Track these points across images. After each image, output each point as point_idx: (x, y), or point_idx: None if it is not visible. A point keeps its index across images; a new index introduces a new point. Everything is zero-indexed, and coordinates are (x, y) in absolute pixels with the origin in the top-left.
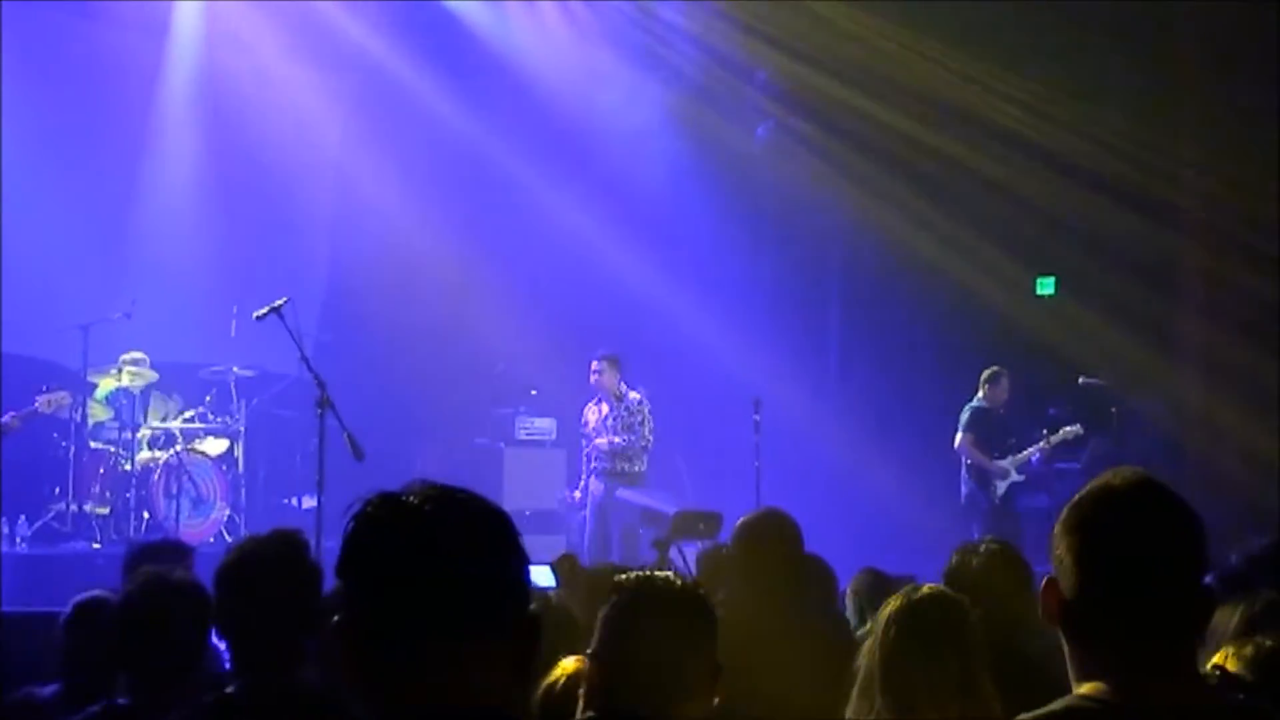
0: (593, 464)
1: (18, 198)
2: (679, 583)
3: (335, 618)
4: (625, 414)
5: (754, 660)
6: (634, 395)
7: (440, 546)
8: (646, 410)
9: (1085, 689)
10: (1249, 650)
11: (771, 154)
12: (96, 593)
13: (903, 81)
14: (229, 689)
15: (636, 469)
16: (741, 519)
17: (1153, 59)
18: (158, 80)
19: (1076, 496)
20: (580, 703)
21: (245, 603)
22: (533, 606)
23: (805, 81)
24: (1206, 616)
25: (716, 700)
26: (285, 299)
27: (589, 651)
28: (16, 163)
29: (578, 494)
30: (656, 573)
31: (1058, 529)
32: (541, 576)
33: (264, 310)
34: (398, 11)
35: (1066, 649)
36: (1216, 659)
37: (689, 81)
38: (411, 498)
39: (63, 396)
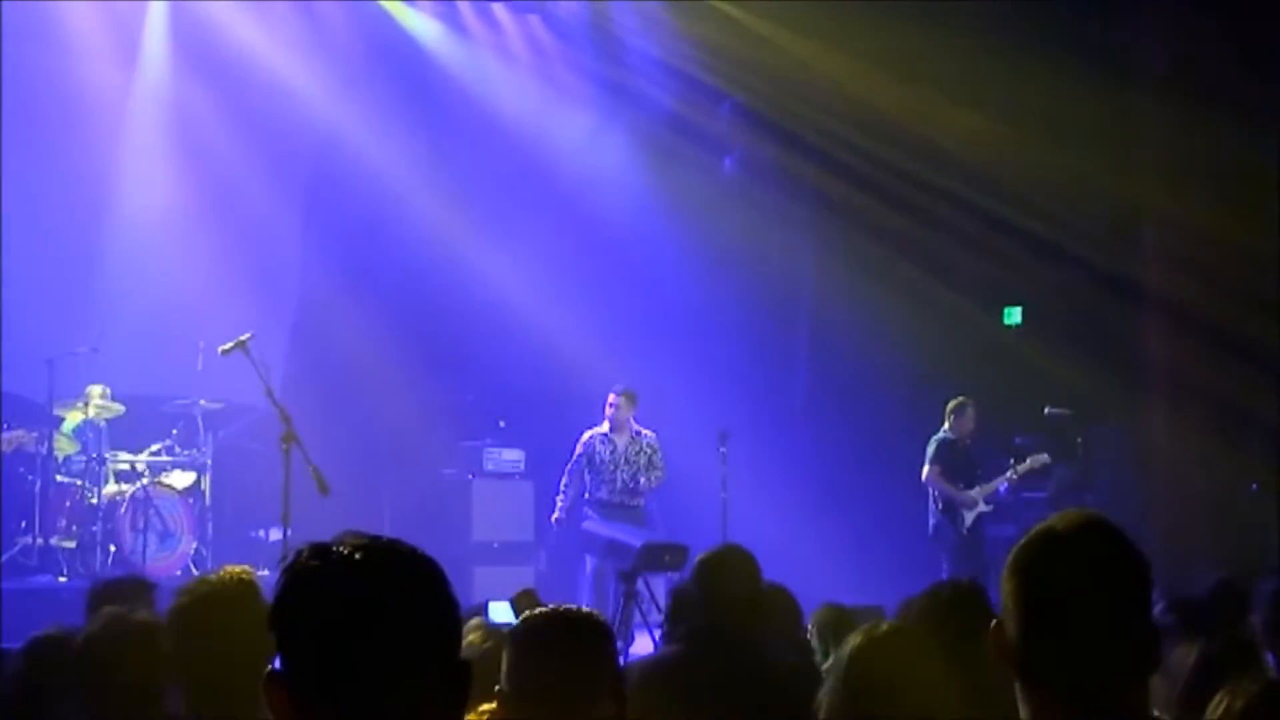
0: (597, 494)
1: None
2: (573, 607)
3: (267, 669)
4: (649, 450)
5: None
6: (648, 432)
7: (370, 597)
8: (659, 448)
9: None
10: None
11: (738, 184)
12: (52, 630)
13: (869, 114)
14: None
15: (640, 504)
16: (699, 556)
17: (1116, 93)
18: (124, 111)
19: (1021, 539)
20: None
21: (199, 645)
22: (486, 645)
23: (772, 112)
24: (1152, 657)
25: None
26: (250, 334)
27: (497, 690)
28: None
29: (557, 515)
30: (554, 606)
31: (1004, 572)
32: (501, 613)
33: (229, 345)
34: (361, 44)
35: (1018, 690)
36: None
37: (655, 112)
38: (342, 548)
39: (22, 435)
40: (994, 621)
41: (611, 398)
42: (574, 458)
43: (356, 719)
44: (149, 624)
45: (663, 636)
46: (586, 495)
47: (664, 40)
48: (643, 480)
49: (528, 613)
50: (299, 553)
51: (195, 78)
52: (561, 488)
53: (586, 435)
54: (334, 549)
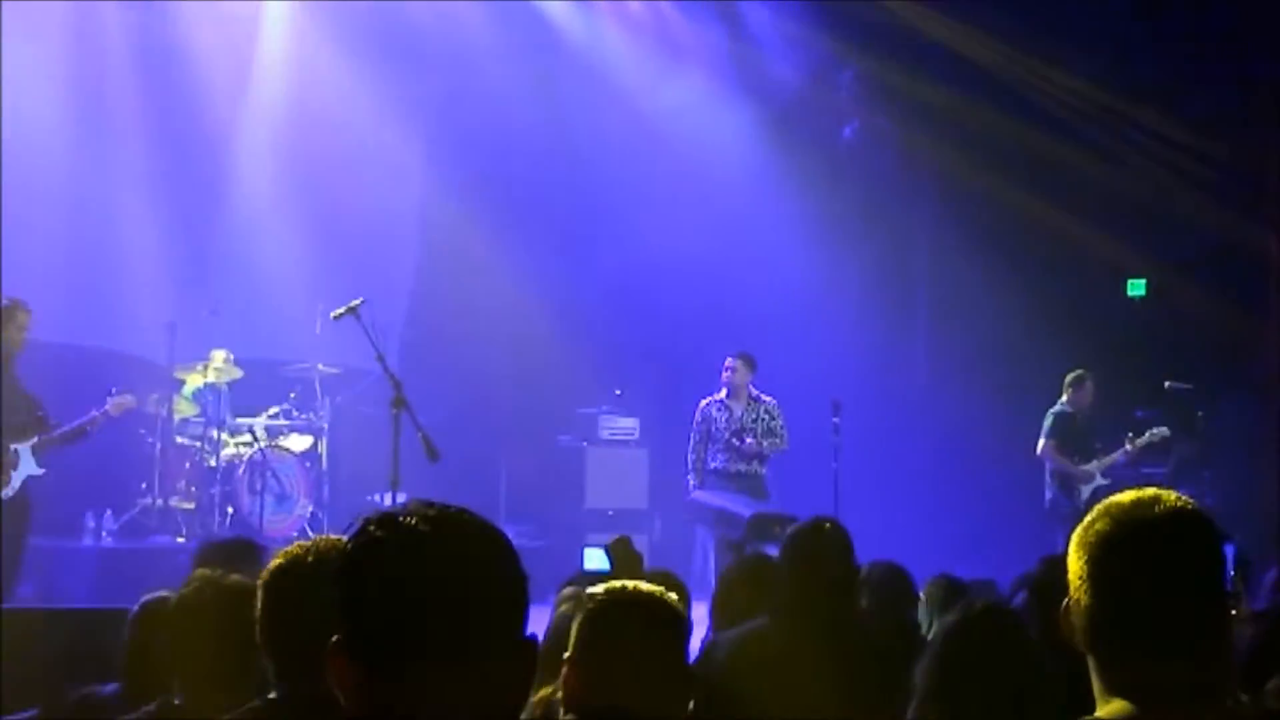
0: (713, 464)
1: (105, 197)
2: (650, 591)
3: (334, 637)
4: (767, 416)
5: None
6: (768, 398)
7: (435, 568)
8: (780, 414)
9: (1107, 709)
10: None
11: (857, 154)
12: (163, 592)
13: (992, 80)
14: (272, 695)
15: (761, 471)
16: (788, 530)
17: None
18: (245, 78)
19: (1087, 516)
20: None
21: (289, 612)
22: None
23: (892, 82)
24: (1223, 638)
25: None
26: (361, 299)
27: (566, 656)
28: (103, 162)
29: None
30: (629, 582)
31: (1071, 548)
32: (596, 559)
33: (341, 310)
34: (482, 11)
35: (1091, 667)
36: None
37: (774, 79)
38: (408, 518)
39: (130, 400)
40: (1065, 600)
41: (729, 361)
42: (694, 427)
43: (418, 693)
44: (239, 587)
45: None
46: (712, 465)
47: (783, 6)
48: (766, 443)
49: (602, 589)
50: (365, 522)
51: (313, 37)
52: (691, 462)
53: (704, 403)
54: (399, 519)
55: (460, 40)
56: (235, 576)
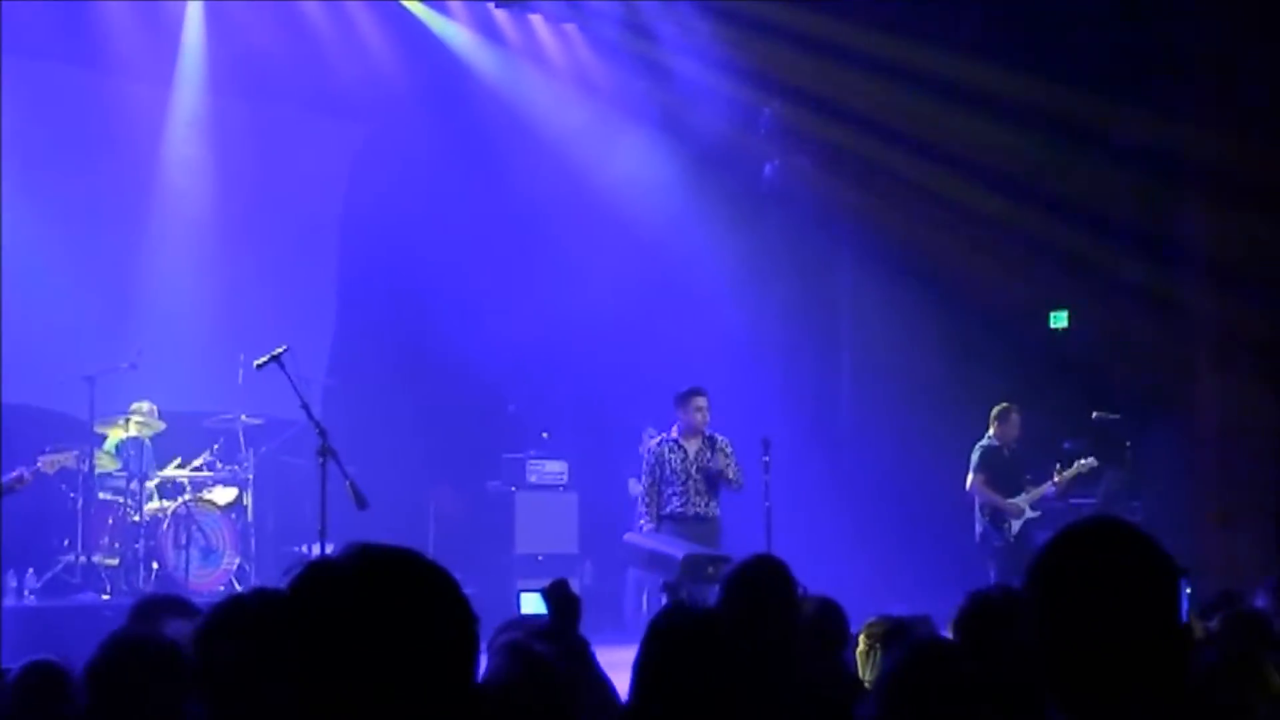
0: (668, 507)
1: (21, 249)
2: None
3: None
4: (725, 453)
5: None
6: (720, 436)
7: (367, 616)
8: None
9: None
10: None
11: (778, 193)
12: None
13: (908, 119)
14: None
15: (716, 515)
16: (728, 569)
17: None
18: (160, 129)
19: (1040, 550)
20: None
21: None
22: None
23: (811, 120)
24: (1178, 663)
25: None
26: (284, 347)
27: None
28: (19, 215)
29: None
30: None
31: (1025, 582)
32: (531, 604)
33: (264, 359)
34: (402, 56)
35: (1050, 702)
36: None
37: (694, 120)
38: (341, 563)
39: (64, 457)
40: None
41: (701, 401)
42: (645, 468)
43: None
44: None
45: None
46: (668, 509)
47: (701, 47)
48: (728, 478)
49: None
50: (300, 567)
51: (230, 90)
52: (644, 505)
53: (653, 442)
54: (332, 563)
55: (380, 87)
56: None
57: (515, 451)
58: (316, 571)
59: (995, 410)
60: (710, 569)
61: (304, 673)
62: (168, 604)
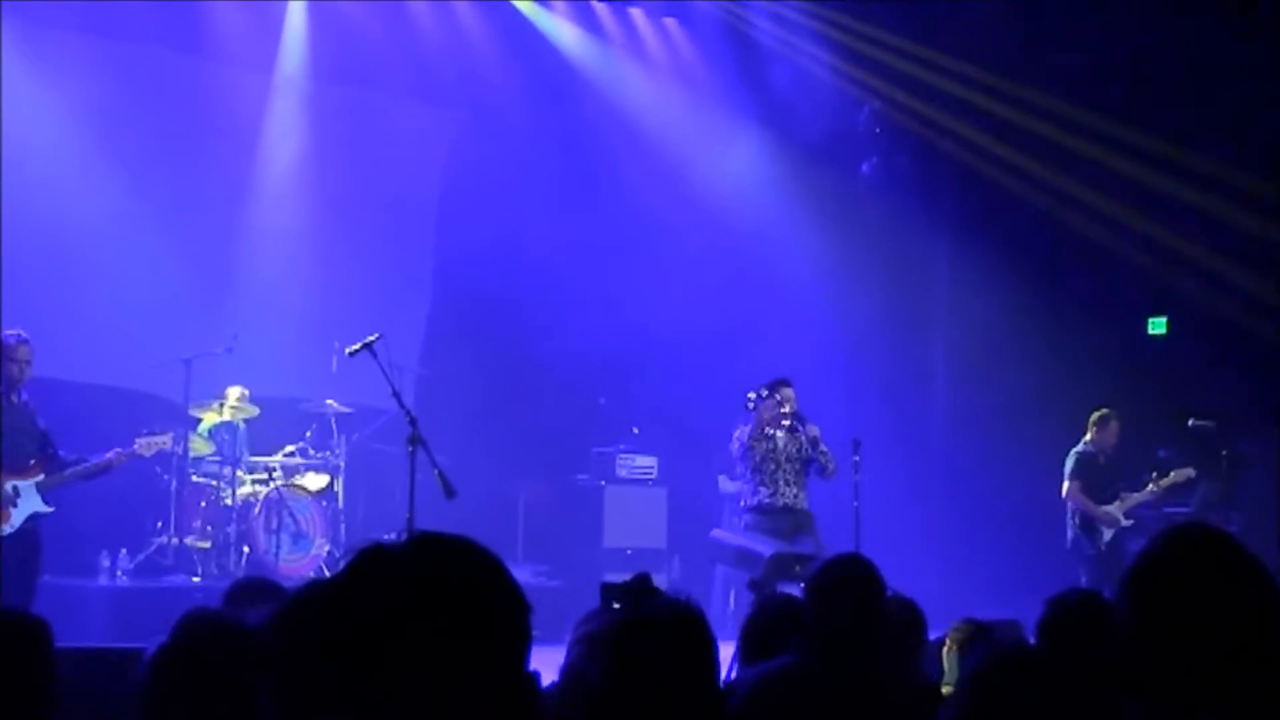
0: (755, 499)
1: (123, 232)
2: (676, 605)
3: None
4: (812, 441)
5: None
6: (812, 426)
7: (421, 598)
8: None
9: None
10: None
11: (876, 191)
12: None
13: (1010, 121)
14: None
15: (807, 507)
16: (816, 566)
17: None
18: (261, 115)
19: (1137, 559)
20: None
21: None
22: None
23: (911, 117)
24: (1274, 671)
25: None
26: (377, 335)
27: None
28: (120, 198)
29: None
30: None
31: (1119, 590)
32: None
33: (357, 346)
34: (501, 46)
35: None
36: None
37: (793, 116)
38: (396, 547)
39: (163, 440)
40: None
41: (788, 391)
42: (742, 452)
43: None
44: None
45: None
46: (742, 502)
47: (801, 43)
48: (822, 450)
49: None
50: (352, 554)
51: (330, 77)
52: (742, 493)
53: (739, 431)
54: (384, 550)
55: (478, 77)
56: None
57: (605, 445)
58: (371, 554)
59: (1094, 416)
60: (797, 567)
61: (353, 654)
62: (260, 588)
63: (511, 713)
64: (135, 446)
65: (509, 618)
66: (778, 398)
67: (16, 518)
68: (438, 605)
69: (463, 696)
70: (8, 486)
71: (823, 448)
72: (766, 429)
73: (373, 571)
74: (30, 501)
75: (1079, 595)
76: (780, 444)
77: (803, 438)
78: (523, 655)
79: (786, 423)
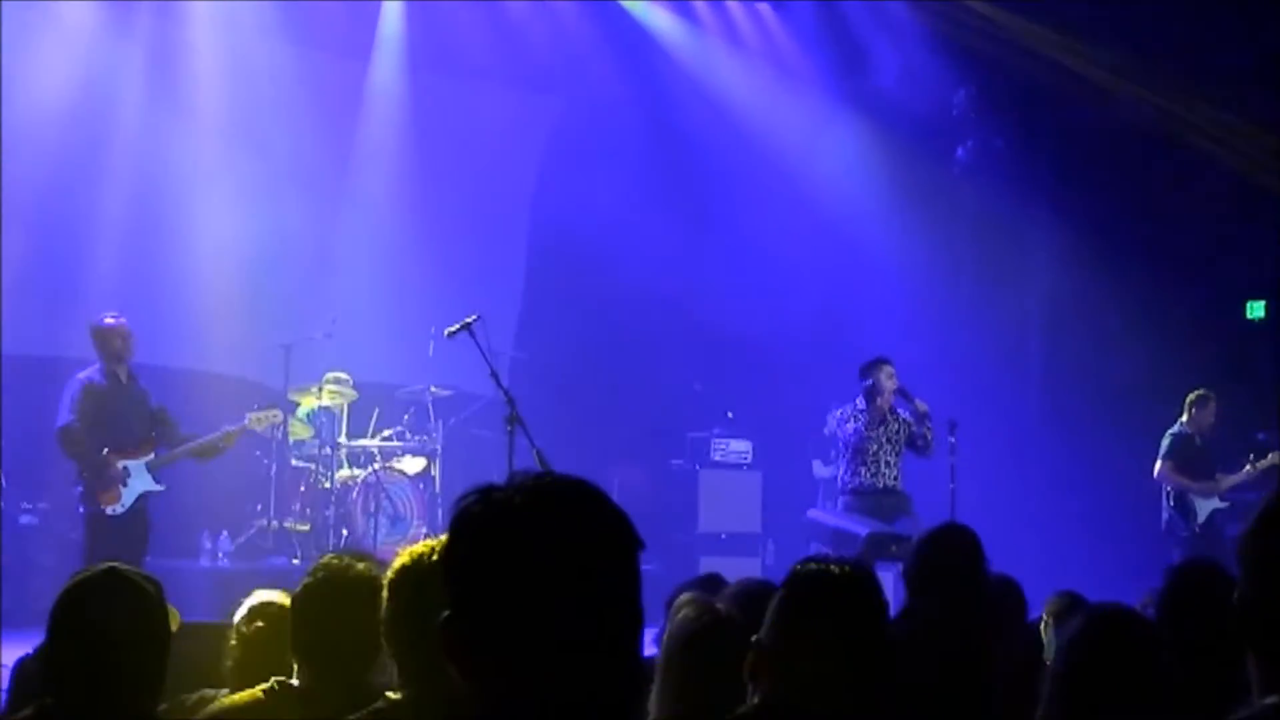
0: (854, 482)
1: (224, 221)
2: (849, 573)
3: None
4: (908, 426)
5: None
6: (922, 403)
7: (527, 535)
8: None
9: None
10: None
11: (971, 174)
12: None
13: (1106, 102)
14: (397, 695)
15: (902, 485)
16: (923, 533)
17: None
18: (357, 102)
19: (1250, 523)
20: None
21: (413, 610)
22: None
23: (1007, 101)
24: None
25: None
26: (476, 316)
27: (755, 639)
28: (223, 188)
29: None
30: (831, 564)
31: (1237, 552)
32: None
33: (455, 327)
34: (596, 32)
35: (1251, 661)
36: None
37: (886, 100)
38: (507, 490)
39: (274, 415)
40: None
41: (890, 369)
42: (843, 434)
43: (526, 667)
44: (363, 577)
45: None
46: (840, 483)
47: (895, 24)
48: (928, 426)
49: (807, 567)
50: (465, 497)
51: (426, 65)
52: (840, 474)
53: (839, 412)
54: (498, 490)
55: (574, 64)
56: (361, 565)
57: (700, 430)
58: (483, 493)
59: (1192, 396)
60: (894, 547)
61: (455, 599)
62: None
63: (625, 642)
64: (246, 421)
65: (613, 552)
66: (882, 374)
67: (127, 497)
68: (548, 541)
69: (574, 629)
70: (118, 465)
71: (928, 424)
72: (878, 409)
73: (484, 507)
74: (141, 480)
75: (1200, 564)
76: (879, 424)
77: (906, 417)
78: (631, 586)
79: (869, 403)
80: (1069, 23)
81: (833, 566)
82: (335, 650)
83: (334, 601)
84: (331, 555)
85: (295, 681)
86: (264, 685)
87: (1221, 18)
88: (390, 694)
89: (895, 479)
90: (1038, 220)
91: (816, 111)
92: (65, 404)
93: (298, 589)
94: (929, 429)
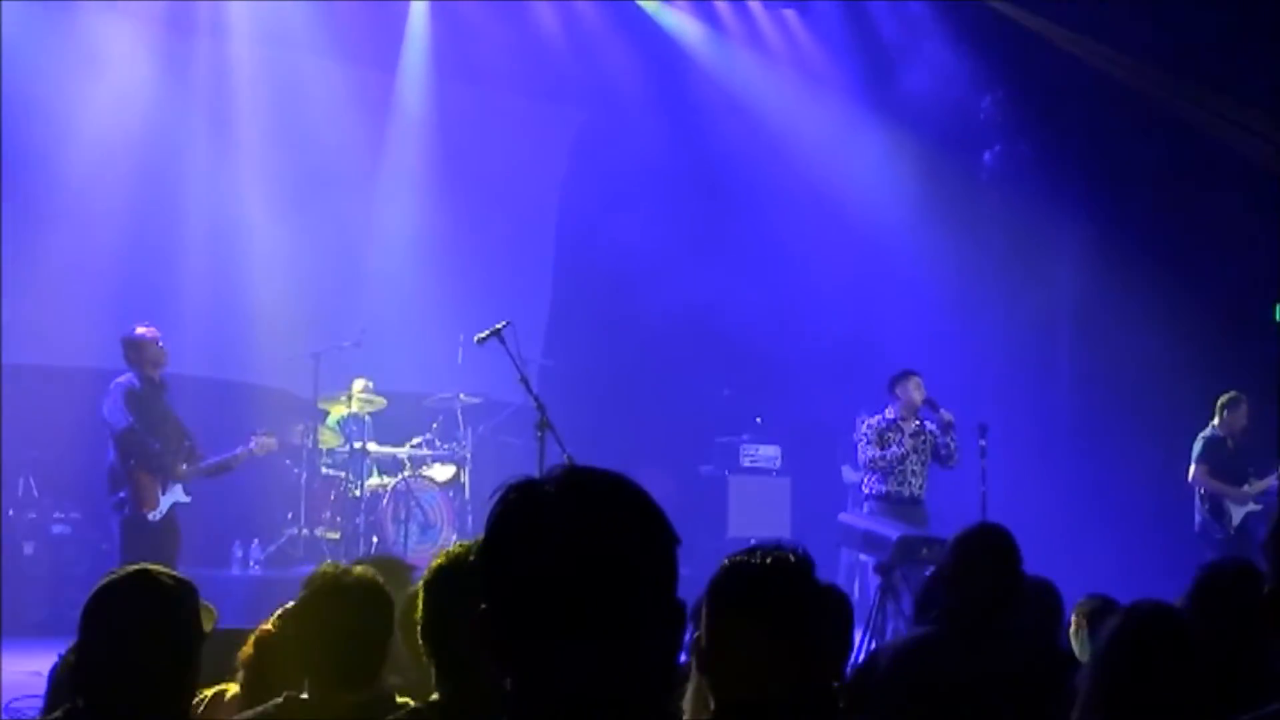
0: (878, 489)
1: (252, 232)
2: (770, 565)
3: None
4: (932, 437)
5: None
6: (947, 413)
7: (562, 538)
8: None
9: None
10: None
11: (999, 179)
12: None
13: (1135, 103)
14: (434, 695)
15: (924, 499)
16: (957, 533)
17: None
18: (384, 113)
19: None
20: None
21: (450, 610)
22: None
23: (1034, 105)
24: None
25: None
26: (506, 322)
27: (695, 636)
28: (251, 198)
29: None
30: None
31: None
32: None
33: (485, 333)
34: (621, 40)
35: None
36: None
37: (912, 105)
38: (544, 484)
39: (272, 442)
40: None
41: (918, 380)
42: (866, 441)
43: (561, 660)
44: (363, 583)
45: (914, 618)
46: (867, 489)
47: (921, 29)
48: (951, 437)
49: (726, 560)
50: (503, 489)
51: (452, 75)
52: (866, 482)
53: (870, 420)
54: (532, 483)
55: (600, 72)
56: (359, 569)
57: (729, 435)
58: (521, 486)
59: (1223, 399)
60: (925, 550)
61: (490, 590)
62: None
63: (660, 637)
64: (251, 446)
65: (649, 547)
66: (910, 385)
67: (164, 504)
68: (583, 533)
69: (607, 621)
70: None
71: (953, 434)
72: (902, 421)
73: (521, 500)
74: (173, 492)
75: (1231, 560)
76: (908, 435)
77: (932, 428)
78: (667, 583)
79: (911, 418)
80: (1094, 25)
81: (754, 558)
82: (338, 660)
83: (331, 611)
84: (328, 563)
85: (305, 695)
86: (275, 700)
87: (1250, 18)
88: (401, 697)
89: (920, 488)
90: (1065, 224)
91: (842, 118)
92: (117, 408)
93: (294, 603)
94: (953, 439)
